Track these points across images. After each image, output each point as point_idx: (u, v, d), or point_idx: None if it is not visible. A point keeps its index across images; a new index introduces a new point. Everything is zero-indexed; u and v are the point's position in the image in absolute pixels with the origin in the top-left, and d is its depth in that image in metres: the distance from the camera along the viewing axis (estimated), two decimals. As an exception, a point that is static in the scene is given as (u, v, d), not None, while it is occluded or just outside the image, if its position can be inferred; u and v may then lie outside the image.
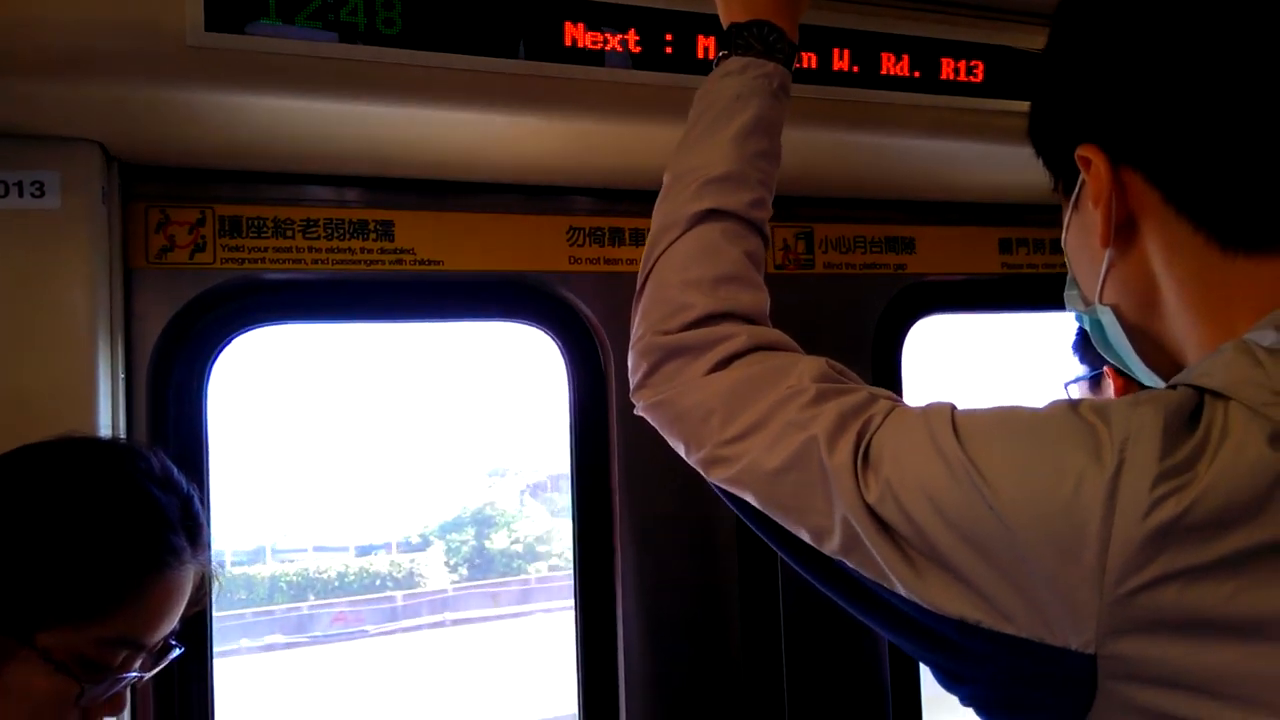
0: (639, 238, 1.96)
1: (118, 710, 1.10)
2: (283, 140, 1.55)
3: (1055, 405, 0.72)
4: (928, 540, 0.70)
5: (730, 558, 1.98)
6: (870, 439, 0.77)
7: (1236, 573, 0.59)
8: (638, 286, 1.10)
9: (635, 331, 1.06)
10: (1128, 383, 1.83)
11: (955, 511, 0.68)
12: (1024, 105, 1.73)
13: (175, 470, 1.20)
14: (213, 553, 1.23)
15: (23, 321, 1.43)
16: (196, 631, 1.59)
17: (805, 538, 0.81)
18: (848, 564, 0.77)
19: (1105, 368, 1.91)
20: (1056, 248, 2.31)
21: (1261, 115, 0.70)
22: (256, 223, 1.71)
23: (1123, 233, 0.80)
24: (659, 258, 1.07)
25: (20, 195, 1.43)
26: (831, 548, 0.78)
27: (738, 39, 1.12)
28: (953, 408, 0.76)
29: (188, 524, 1.16)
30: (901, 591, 0.72)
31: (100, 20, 1.26)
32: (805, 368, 0.89)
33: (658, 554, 1.94)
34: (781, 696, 1.99)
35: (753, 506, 0.88)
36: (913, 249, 2.20)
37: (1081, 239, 0.86)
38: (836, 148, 1.75)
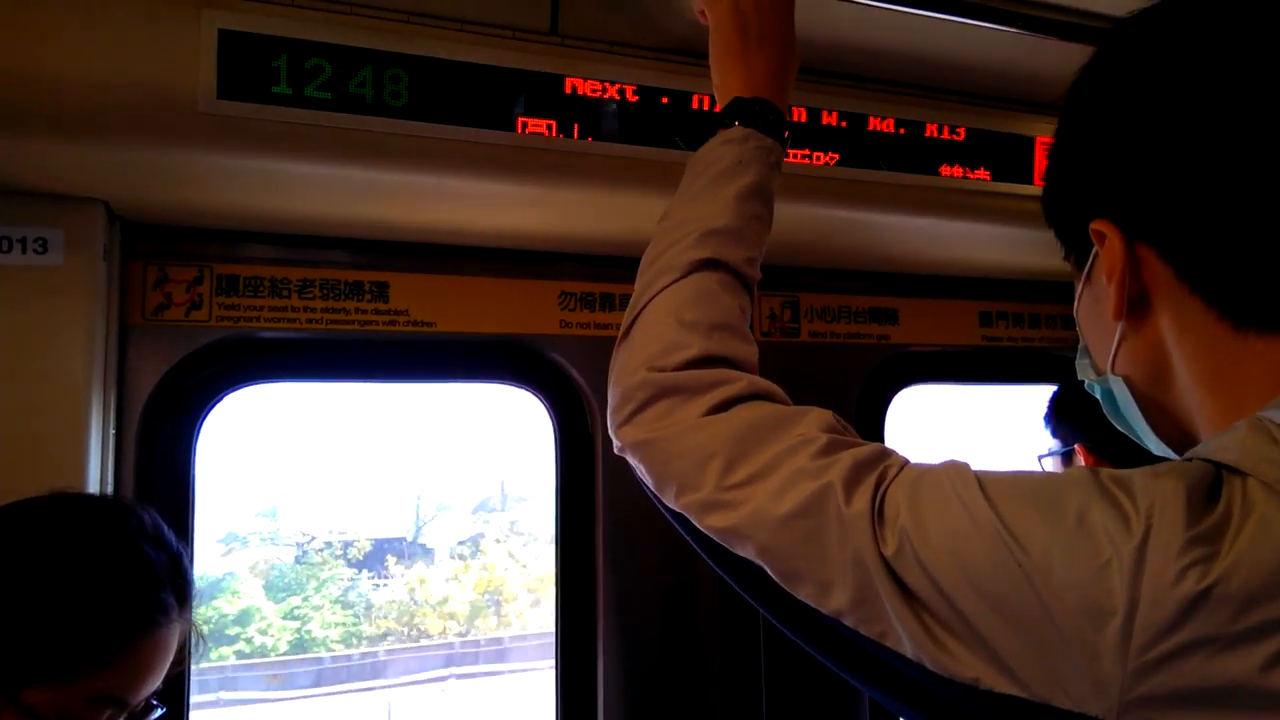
0: (628, 303, 2.00)
1: None
2: (285, 203, 1.59)
3: (1074, 471, 0.72)
4: (946, 599, 0.69)
5: (713, 621, 1.98)
6: (885, 492, 0.76)
7: (1264, 643, 0.59)
8: (624, 325, 1.09)
9: (621, 367, 1.04)
10: (1099, 460, 1.87)
11: (982, 571, 0.68)
12: (1009, 186, 1.82)
13: (165, 528, 1.20)
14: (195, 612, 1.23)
15: (17, 375, 1.44)
16: (174, 691, 1.57)
17: (804, 594, 0.79)
18: (845, 623, 0.76)
19: (1077, 445, 1.95)
20: (1035, 321, 2.39)
21: (1273, 197, 0.71)
22: (253, 282, 1.73)
23: (1135, 306, 0.80)
24: (653, 298, 1.07)
25: (24, 251, 1.46)
26: (834, 605, 0.76)
27: (740, 113, 1.17)
28: (971, 468, 0.76)
29: (176, 582, 1.16)
30: (907, 652, 0.71)
31: (114, 82, 1.29)
32: (813, 418, 0.89)
33: (641, 616, 1.94)
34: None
35: (740, 563, 0.86)
36: (896, 320, 2.25)
37: (1093, 310, 0.87)
38: (823, 221, 1.80)
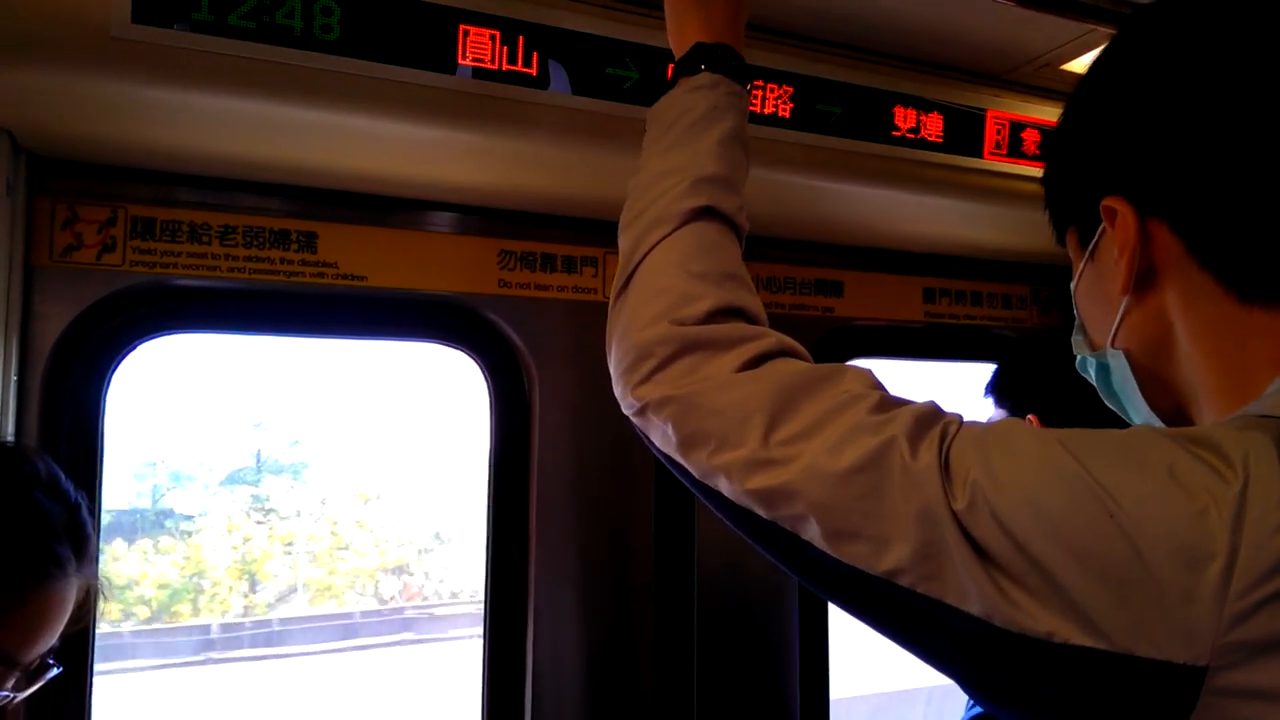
0: (571, 265, 1.95)
1: None
2: (206, 142, 1.49)
3: (1146, 430, 0.73)
4: (1022, 553, 0.68)
5: (645, 590, 1.96)
6: (950, 446, 0.75)
7: None
8: (619, 281, 1.05)
9: (628, 323, 0.99)
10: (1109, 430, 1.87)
11: (1066, 524, 0.67)
12: (967, 160, 1.80)
13: (63, 477, 1.13)
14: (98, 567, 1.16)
15: (-94, 314, 1.34)
16: (77, 650, 1.49)
17: (854, 553, 0.77)
18: (900, 583, 0.74)
19: (1030, 416, 1.95)
20: (978, 299, 2.39)
21: None
22: (171, 226, 1.63)
23: (1141, 281, 0.82)
24: (650, 251, 1.02)
25: (-85, 180, 1.35)
26: (890, 563, 0.74)
27: (705, 58, 1.13)
28: (1038, 425, 0.76)
29: (73, 533, 1.09)
30: (973, 609, 0.70)
31: (19, 4, 1.20)
32: (855, 375, 0.87)
33: (572, 582, 1.90)
34: (692, 734, 1.97)
35: (770, 528, 0.84)
36: (841, 293, 2.23)
37: (1096, 286, 0.88)
38: (771, 186, 1.76)
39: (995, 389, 2.03)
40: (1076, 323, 0.94)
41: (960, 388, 2.60)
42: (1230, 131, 0.75)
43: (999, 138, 1.86)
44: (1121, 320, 0.85)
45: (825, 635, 2.19)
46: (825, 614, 2.19)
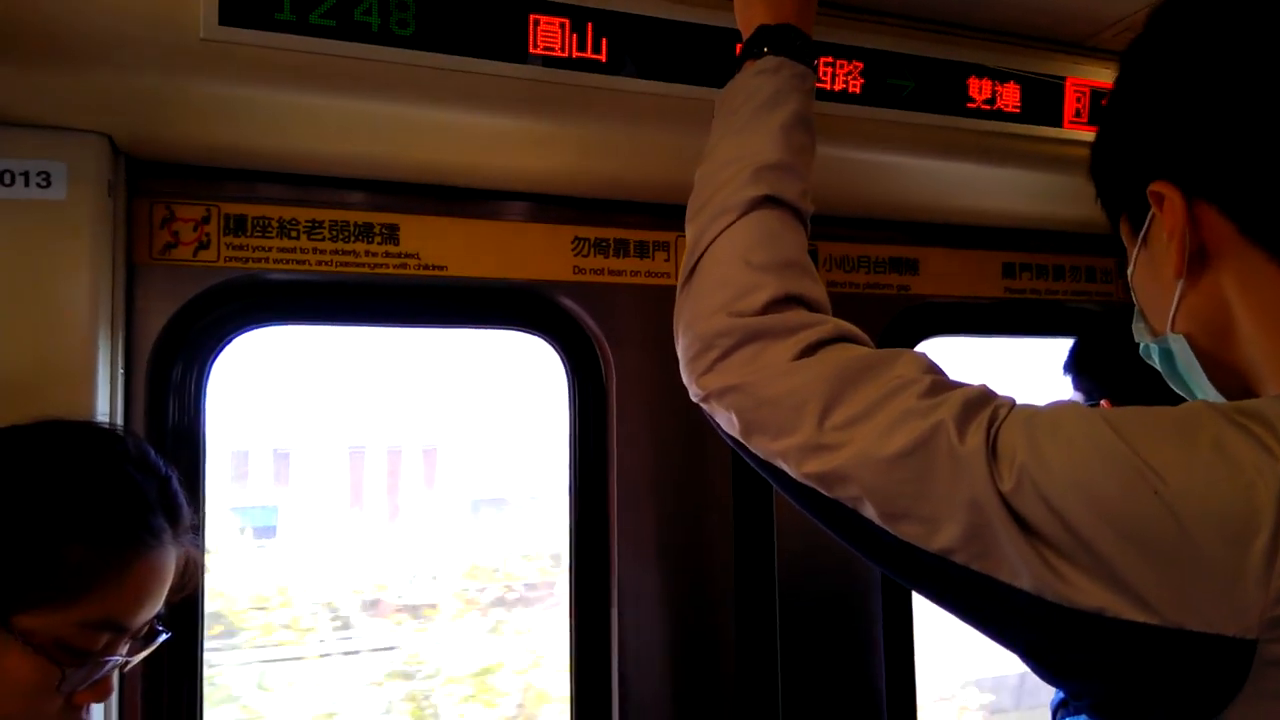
0: (643, 249, 1.97)
1: (103, 696, 1.09)
2: (291, 139, 1.55)
3: (1195, 405, 0.75)
4: (1071, 531, 0.70)
5: (726, 575, 1.97)
6: (998, 430, 0.77)
7: None
8: (685, 270, 1.08)
9: (693, 313, 1.03)
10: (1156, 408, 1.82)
11: (1113, 502, 0.69)
12: (1046, 130, 1.76)
13: (152, 452, 1.20)
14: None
15: (24, 312, 1.43)
16: (186, 620, 1.57)
17: (908, 532, 0.80)
18: (955, 560, 0.77)
19: (1102, 400, 1.91)
20: (1060, 273, 2.33)
21: None
22: (261, 222, 1.71)
23: (1195, 264, 0.82)
24: (714, 240, 1.05)
25: (26, 185, 1.43)
26: (942, 541, 0.77)
27: (768, 41, 1.13)
28: (1088, 406, 0.78)
29: (166, 504, 1.15)
30: (1025, 585, 0.72)
31: (113, 10, 1.26)
32: (910, 359, 0.89)
33: (654, 568, 1.92)
34: (776, 712, 1.97)
35: (834, 506, 0.86)
36: (916, 270, 2.20)
37: (1151, 272, 0.89)
38: (843, 164, 1.75)
39: (1073, 367, 1.99)
40: (1136, 310, 0.94)
41: (1043, 364, 2.55)
42: (1272, 111, 0.75)
43: (1079, 105, 1.81)
44: (1179, 304, 0.85)
45: (910, 622, 2.16)
46: (909, 600, 2.17)
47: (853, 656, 2.05)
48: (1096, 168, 0.93)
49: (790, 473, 0.92)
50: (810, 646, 2.01)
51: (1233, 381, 0.86)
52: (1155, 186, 0.82)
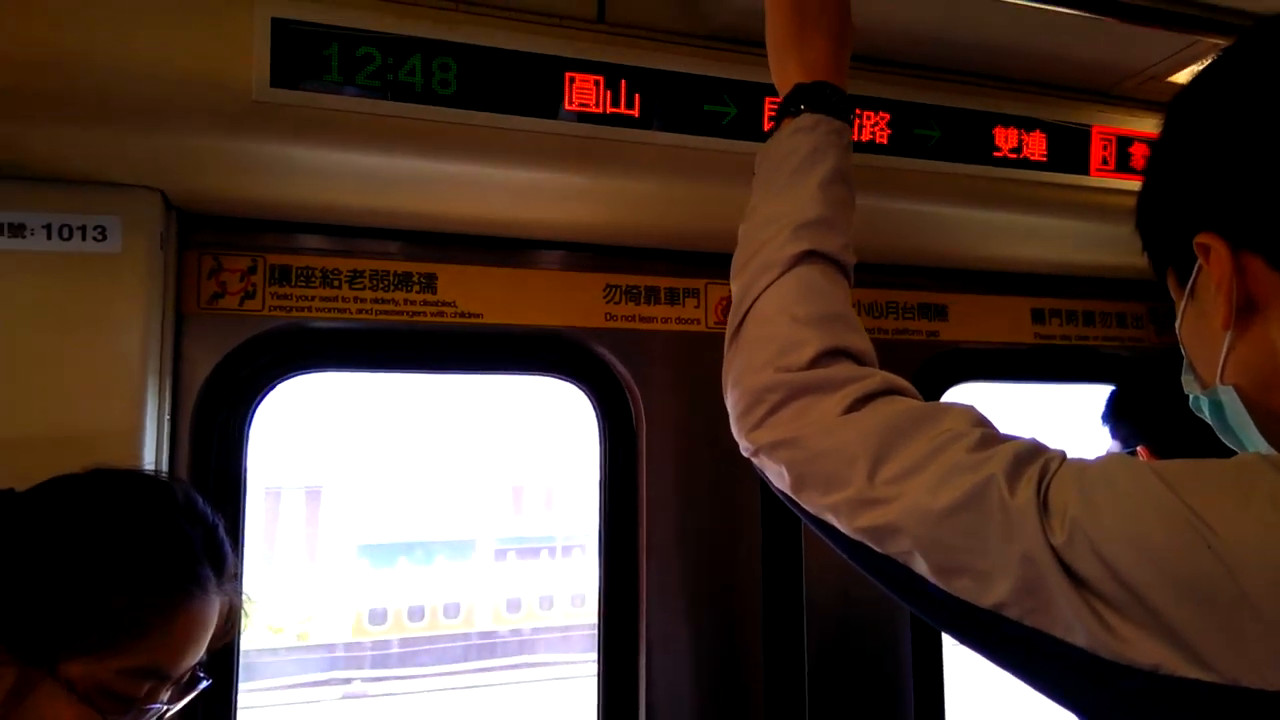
0: (674, 296, 2.00)
1: None
2: (336, 193, 1.61)
3: (1247, 457, 0.74)
4: (1125, 586, 0.69)
5: (755, 620, 1.97)
6: (1049, 483, 0.77)
7: None
8: (731, 327, 1.09)
9: (741, 369, 1.04)
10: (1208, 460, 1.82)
11: (1166, 556, 0.68)
12: (1073, 178, 1.78)
13: (200, 501, 1.22)
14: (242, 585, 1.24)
15: (77, 360, 1.48)
16: (222, 666, 1.59)
17: (961, 588, 0.80)
18: (1008, 615, 0.76)
19: (1140, 447, 1.90)
20: (1090, 319, 2.33)
21: None
22: (305, 272, 1.76)
23: (1243, 315, 0.82)
24: (758, 297, 1.07)
25: (83, 239, 1.49)
26: (995, 597, 0.77)
27: (805, 98, 1.16)
28: (1137, 459, 0.78)
29: (212, 553, 1.17)
30: (1079, 641, 0.72)
31: (169, 72, 1.33)
32: (959, 413, 0.89)
33: (683, 613, 1.92)
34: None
35: (886, 563, 0.86)
36: (945, 316, 2.21)
37: (1199, 324, 0.89)
38: (872, 213, 1.77)
39: (1111, 416, 1.98)
40: (1185, 362, 0.94)
41: (1075, 411, 2.54)
42: None
43: (1106, 153, 1.83)
44: (1228, 356, 0.85)
45: (940, 668, 2.14)
46: (939, 646, 2.15)
47: (882, 708, 2.03)
48: (1143, 220, 0.94)
49: (842, 528, 0.92)
50: (839, 697, 2.00)
51: None
52: (1201, 238, 0.83)
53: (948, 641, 2.15)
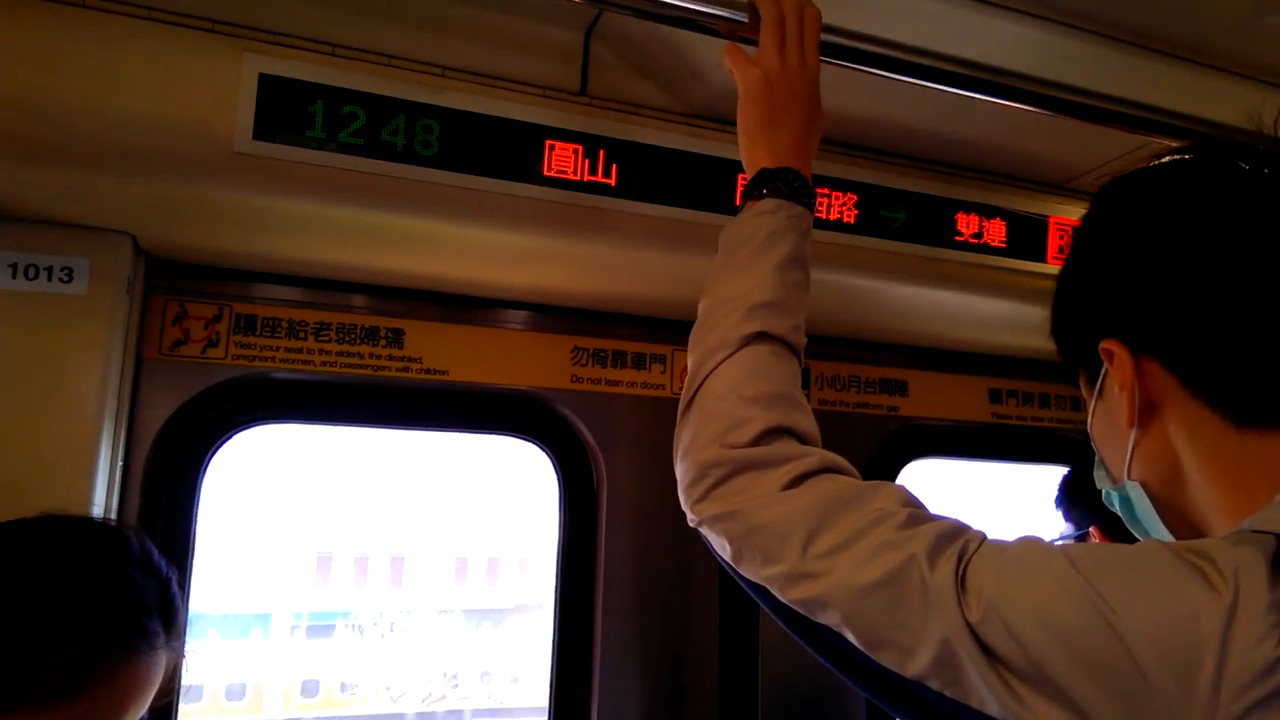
0: (640, 361, 2.02)
1: None
2: (310, 247, 1.61)
3: (1149, 543, 0.79)
4: (1033, 661, 0.73)
5: (709, 693, 1.95)
6: (968, 563, 0.81)
7: None
8: (684, 399, 1.13)
9: (690, 444, 1.08)
10: (1113, 543, 1.86)
11: (1071, 632, 0.72)
12: (1030, 265, 1.85)
13: (155, 552, 1.19)
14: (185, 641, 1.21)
15: (33, 401, 1.45)
16: (161, 722, 1.54)
17: (886, 659, 0.83)
18: (930, 686, 0.79)
19: (1091, 528, 1.94)
20: (1045, 401, 2.39)
21: (1262, 313, 0.82)
22: (271, 322, 1.75)
23: (1145, 414, 0.89)
24: (710, 374, 1.11)
25: (49, 279, 1.48)
26: (916, 669, 0.80)
27: (768, 184, 1.20)
28: (1048, 542, 0.82)
29: (164, 608, 1.13)
30: (993, 712, 0.75)
31: (151, 120, 1.33)
32: (889, 492, 0.93)
33: (636, 683, 1.90)
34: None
35: (820, 631, 0.90)
36: (906, 392, 2.25)
37: (1107, 422, 0.95)
38: (837, 289, 1.82)
39: (1064, 500, 2.03)
40: (1097, 459, 1.00)
41: (1029, 490, 2.58)
42: (1204, 279, 0.85)
43: (1062, 243, 1.90)
44: (1133, 452, 0.91)
45: (893, 743, 2.14)
46: (893, 720, 2.15)
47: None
48: (1056, 326, 1.01)
49: (777, 597, 0.95)
50: None
51: (1184, 526, 0.91)
52: (1106, 344, 0.90)
53: None
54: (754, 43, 1.23)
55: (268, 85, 1.34)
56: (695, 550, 1.98)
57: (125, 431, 1.61)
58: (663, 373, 2.04)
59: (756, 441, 1.03)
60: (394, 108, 1.41)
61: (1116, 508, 0.99)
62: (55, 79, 1.28)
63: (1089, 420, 0.99)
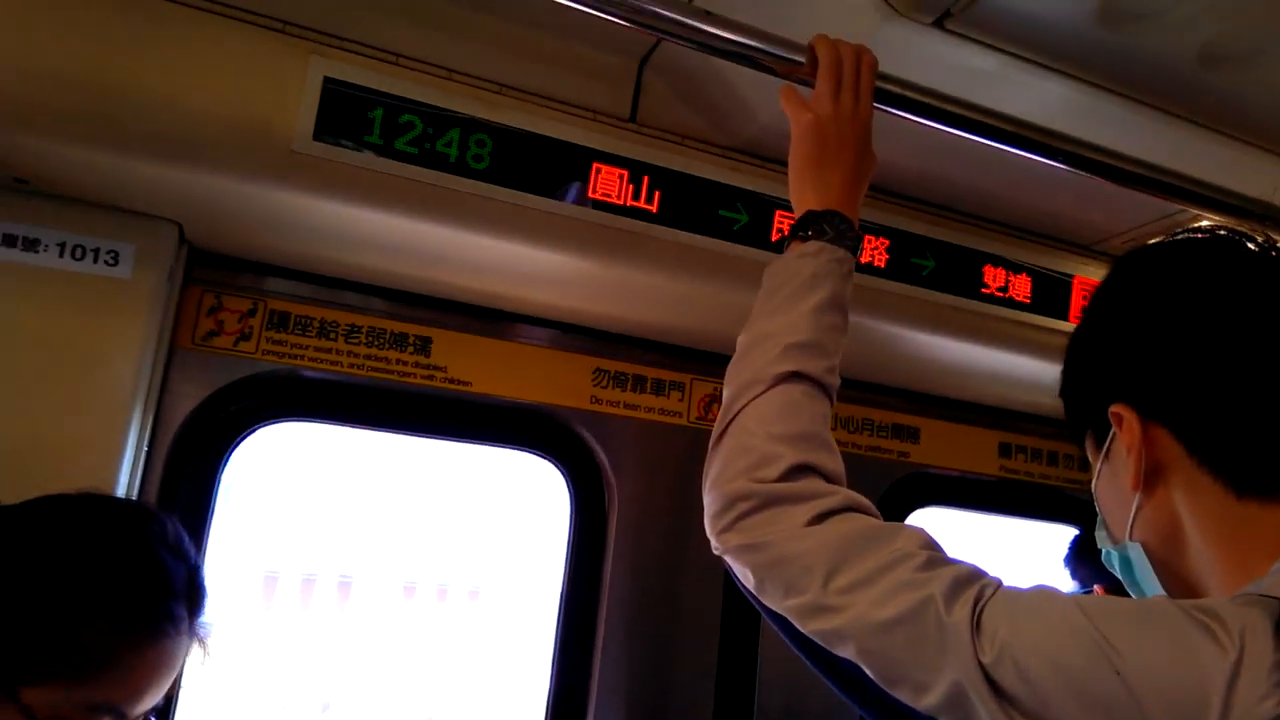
0: (660, 387, 2.04)
1: None
2: (352, 249, 1.63)
3: (1159, 599, 0.83)
4: (1043, 702, 0.75)
5: (707, 704, 1.95)
6: (984, 607, 0.84)
7: None
8: (716, 431, 1.16)
9: (719, 475, 1.11)
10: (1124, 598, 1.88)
11: (1079, 676, 0.75)
12: (1053, 322, 1.88)
13: (186, 538, 1.19)
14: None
15: (69, 380, 1.47)
16: (161, 712, 1.53)
17: (901, 694, 0.86)
18: None
19: (1096, 586, 1.96)
20: (1054, 459, 2.41)
21: (1267, 388, 0.86)
22: (304, 321, 1.77)
23: (1150, 478, 0.92)
24: (743, 408, 1.14)
25: (95, 261, 1.50)
26: (928, 704, 0.83)
27: (814, 226, 1.23)
28: (1061, 592, 0.85)
29: (191, 593, 1.14)
30: None
31: (213, 113, 1.36)
32: (910, 534, 0.96)
33: (631, 704, 1.90)
34: None
35: (838, 662, 0.92)
36: (917, 439, 2.27)
37: (1112, 484, 0.98)
38: (862, 332, 1.84)
39: (1072, 560, 2.05)
40: (1099, 519, 1.03)
41: (1034, 547, 2.59)
42: (1213, 353, 0.88)
43: (1085, 303, 1.93)
44: (1136, 515, 0.94)
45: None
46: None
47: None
48: (1066, 387, 1.04)
49: (797, 627, 0.98)
50: None
51: (1181, 588, 0.94)
52: (1116, 408, 0.93)
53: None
54: (810, 84, 1.25)
55: (331, 88, 1.38)
56: (701, 577, 1.99)
57: (153, 417, 1.63)
58: (680, 400, 2.06)
59: (784, 477, 1.06)
60: (450, 120, 1.45)
61: (1116, 568, 1.02)
62: (125, 65, 1.32)
63: (1094, 481, 1.02)
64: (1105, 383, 0.97)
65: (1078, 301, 1.93)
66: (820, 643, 0.94)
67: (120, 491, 1.50)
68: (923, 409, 2.29)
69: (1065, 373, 1.05)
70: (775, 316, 1.20)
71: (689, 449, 2.01)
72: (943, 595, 0.85)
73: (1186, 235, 0.99)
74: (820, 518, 1.01)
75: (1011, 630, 0.80)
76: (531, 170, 1.50)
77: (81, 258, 1.50)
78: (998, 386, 2.19)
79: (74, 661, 1.01)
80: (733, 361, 1.21)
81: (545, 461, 2.01)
